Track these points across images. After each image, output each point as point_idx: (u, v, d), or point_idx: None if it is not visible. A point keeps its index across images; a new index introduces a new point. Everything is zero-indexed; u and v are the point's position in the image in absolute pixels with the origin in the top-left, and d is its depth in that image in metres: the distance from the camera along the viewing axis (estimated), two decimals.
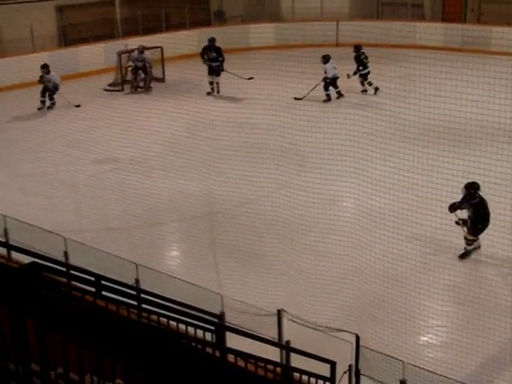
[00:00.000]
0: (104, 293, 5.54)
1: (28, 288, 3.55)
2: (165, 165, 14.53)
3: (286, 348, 7.45)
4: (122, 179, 13.92)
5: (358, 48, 20.93)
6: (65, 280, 5.58)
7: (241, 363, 5.93)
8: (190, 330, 6.42)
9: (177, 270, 10.39)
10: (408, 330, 8.82)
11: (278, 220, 11.20)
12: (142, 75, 22.61)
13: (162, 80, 23.38)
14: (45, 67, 20.05)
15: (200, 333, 6.49)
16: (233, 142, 14.94)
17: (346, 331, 7.30)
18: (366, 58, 20.64)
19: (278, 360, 7.41)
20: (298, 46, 23.92)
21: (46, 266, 4.85)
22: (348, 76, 20.31)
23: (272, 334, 7.67)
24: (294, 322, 7.69)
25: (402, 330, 8.70)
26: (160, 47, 23.47)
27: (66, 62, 23.54)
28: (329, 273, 10.00)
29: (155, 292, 6.64)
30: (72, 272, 5.86)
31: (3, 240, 9.75)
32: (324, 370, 6.61)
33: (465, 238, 10.79)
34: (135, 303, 6.21)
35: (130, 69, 22.74)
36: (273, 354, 7.22)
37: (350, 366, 7.08)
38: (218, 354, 5.83)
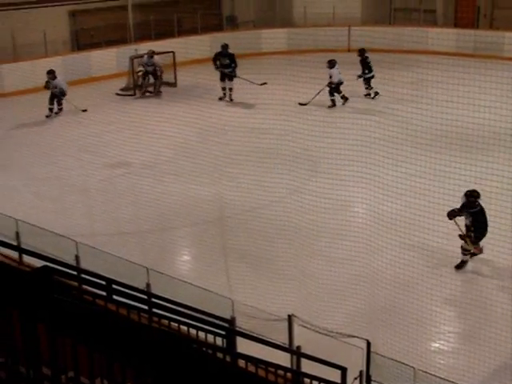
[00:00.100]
0: (115, 297, 5.54)
1: (40, 292, 3.55)
2: (176, 169, 14.55)
3: (297, 353, 7.44)
4: (133, 184, 13.96)
5: (363, 52, 20.98)
6: (76, 284, 5.60)
7: (251, 368, 5.92)
8: (201, 334, 6.42)
9: (188, 275, 10.39)
10: (419, 336, 8.79)
11: (289, 225, 11.19)
12: (152, 80, 22.71)
13: (173, 85, 23.43)
14: (51, 73, 19.93)
15: (210, 337, 6.49)
16: (244, 147, 14.95)
17: (357, 337, 7.27)
18: (370, 62, 20.74)
19: (289, 365, 7.39)
20: (310, 51, 23.89)
21: (57, 270, 4.86)
22: (359, 77, 20.34)
23: (282, 339, 7.66)
24: (305, 327, 7.67)
25: (413, 336, 8.66)
26: (172, 52, 23.54)
27: (79, 66, 23.65)
28: (340, 278, 9.98)
29: (166, 296, 6.64)
30: (83, 276, 5.87)
31: (15, 243, 9.78)
32: (335, 375, 6.59)
33: (462, 247, 10.56)
34: (146, 308, 6.21)
35: (140, 74, 22.81)
36: (283, 359, 7.20)
37: (361, 372, 7.05)
38: (228, 359, 5.82)
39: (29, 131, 19.06)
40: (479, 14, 28.12)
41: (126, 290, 5.79)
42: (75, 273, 5.82)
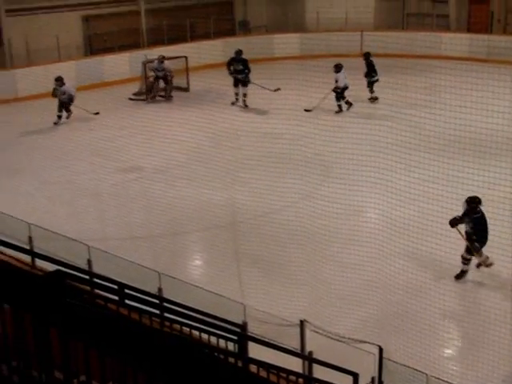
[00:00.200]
0: (127, 301, 5.55)
1: (52, 296, 3.55)
2: (189, 174, 14.56)
3: (309, 359, 7.42)
4: (145, 188, 13.98)
5: (368, 55, 21.02)
6: (88, 288, 5.60)
7: (263, 374, 5.90)
8: (213, 339, 6.41)
9: (200, 280, 10.39)
10: (432, 343, 8.74)
11: (301, 230, 11.17)
12: (163, 84, 22.80)
13: (186, 89, 23.49)
14: (59, 80, 19.86)
15: (222, 342, 6.48)
16: (257, 151, 14.95)
17: (369, 343, 7.24)
18: (375, 65, 20.83)
19: (301, 371, 7.38)
20: (323, 56, 23.87)
21: (69, 274, 4.87)
22: (369, 79, 20.36)
23: (294, 344, 7.64)
24: (317, 332, 7.65)
25: (426, 342, 8.62)
26: (185, 57, 23.59)
27: (92, 71, 23.76)
28: (352, 283, 9.95)
29: (178, 301, 6.63)
30: (95, 280, 5.87)
31: (28, 247, 9.81)
32: (346, 381, 6.56)
33: (462, 256, 10.41)
34: (158, 312, 6.21)
35: (151, 79, 22.92)
36: (295, 364, 7.18)
37: (373, 378, 7.02)
38: (240, 364, 5.80)
39: (41, 135, 19.14)
40: (493, 19, 28.03)
41: (138, 295, 5.79)
42: (87, 277, 5.83)
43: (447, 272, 10.43)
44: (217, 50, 24.85)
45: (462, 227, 10.42)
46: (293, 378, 6.54)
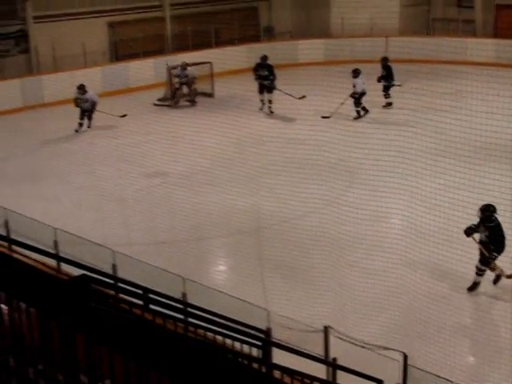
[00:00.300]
0: (151, 306, 5.57)
1: (78, 300, 3.58)
2: (213, 180, 14.60)
3: (333, 365, 7.39)
4: (170, 193, 14.02)
5: (386, 60, 21.02)
6: (113, 293, 5.63)
7: (287, 380, 5.90)
8: (237, 345, 6.42)
9: (223, 285, 10.41)
10: (457, 350, 8.67)
11: (325, 236, 11.15)
12: (186, 90, 23.01)
13: (211, 95, 23.57)
14: (81, 88, 19.82)
15: (246, 348, 6.48)
16: (281, 157, 14.95)
17: (394, 349, 7.21)
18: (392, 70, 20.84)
19: (325, 377, 7.35)
20: (347, 62, 23.80)
21: (94, 279, 4.90)
22: (399, 85, 20.30)
23: (318, 350, 7.63)
24: (341, 338, 7.63)
25: (451, 349, 8.55)
26: (209, 63, 23.67)
27: (117, 77, 23.92)
28: (375, 290, 9.91)
29: (202, 306, 6.65)
30: (120, 285, 5.90)
31: (53, 252, 9.88)
32: None
33: (477, 267, 10.17)
34: (182, 317, 6.23)
35: (176, 85, 23.09)
36: (319, 371, 7.16)
37: None
38: (263, 369, 5.81)
39: (67, 141, 19.30)
40: None
41: (163, 300, 5.81)
42: (112, 282, 5.86)
43: (471, 279, 10.34)
44: (241, 55, 24.89)
45: (476, 235, 10.28)
46: None
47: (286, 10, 31.23)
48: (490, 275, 10.26)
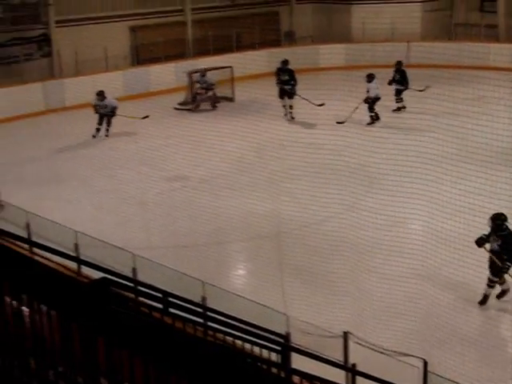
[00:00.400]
0: (171, 310, 5.58)
1: (98, 303, 3.60)
2: (233, 184, 14.62)
3: (353, 371, 7.37)
4: (190, 197, 14.07)
5: (401, 64, 20.99)
6: (133, 296, 5.65)
7: None
8: (256, 349, 6.42)
9: (243, 289, 10.41)
10: (478, 357, 8.62)
11: (344, 241, 11.13)
12: (207, 94, 23.17)
13: (231, 99, 23.64)
14: (100, 94, 19.80)
15: (265, 352, 6.48)
16: (301, 162, 14.93)
17: (414, 356, 7.18)
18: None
19: (344, 383, 7.34)
20: (368, 67, 23.75)
21: (115, 282, 4.92)
22: (423, 89, 20.24)
23: (336, 355, 7.61)
24: (360, 344, 7.61)
25: (472, 356, 8.50)
26: (230, 67, 23.72)
27: (138, 81, 24.02)
28: (395, 295, 9.87)
29: (221, 310, 6.66)
30: (140, 288, 5.92)
31: (74, 255, 9.94)
32: None
33: (489, 279, 9.99)
34: (201, 321, 6.24)
35: (198, 92, 23.25)
36: (338, 376, 7.14)
37: None
38: (283, 374, 5.80)
39: (88, 144, 19.42)
40: None
41: (182, 303, 5.82)
42: (132, 285, 5.88)
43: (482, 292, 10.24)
44: (262, 60, 24.93)
45: (487, 245, 10.14)
46: None
47: (307, 15, 31.25)
48: None
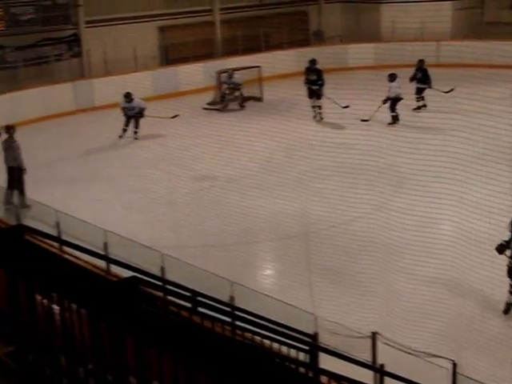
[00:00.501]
0: (200, 309, 5.59)
1: (127, 301, 3.62)
2: (261, 184, 14.62)
3: (381, 371, 7.33)
4: (219, 197, 14.09)
5: (423, 62, 20.85)
6: (161, 295, 5.67)
7: None
8: (284, 349, 6.41)
9: (271, 289, 10.41)
10: (507, 360, 8.53)
11: (373, 241, 11.09)
12: (234, 94, 23.28)
13: (259, 99, 23.66)
14: (127, 96, 19.70)
15: (293, 352, 6.46)
16: (330, 161, 14.89)
17: (443, 357, 7.12)
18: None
19: None
20: (397, 66, 23.60)
21: (144, 280, 4.94)
22: (448, 91, 20.10)
23: (364, 356, 7.57)
24: (388, 345, 7.56)
25: (502, 358, 8.41)
26: (258, 67, 23.74)
27: (167, 80, 24.15)
28: (424, 296, 9.80)
29: (250, 310, 6.66)
30: (169, 287, 5.94)
31: (103, 253, 9.99)
32: None
33: (511, 285, 9.70)
34: (230, 320, 6.24)
35: (227, 92, 23.33)
36: (366, 377, 7.11)
37: None
38: (311, 374, 5.79)
39: (118, 144, 19.54)
40: None
41: (211, 303, 5.84)
42: (161, 284, 5.90)
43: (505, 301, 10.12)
44: (290, 60, 24.93)
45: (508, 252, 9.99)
46: None
47: (336, 14, 31.18)
48: None
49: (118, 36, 24.83)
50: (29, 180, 14.68)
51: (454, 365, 6.90)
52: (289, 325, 6.79)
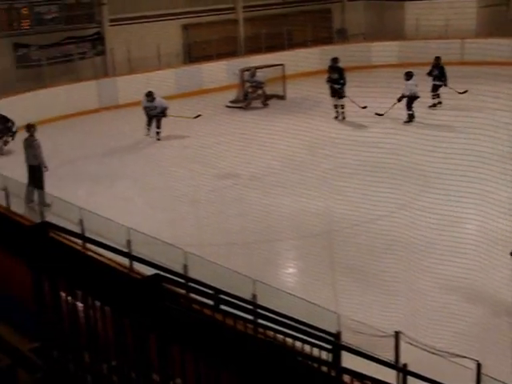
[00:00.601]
0: (222, 307, 5.59)
1: (151, 298, 3.63)
2: (284, 182, 14.61)
3: (404, 371, 7.29)
4: (242, 195, 14.09)
5: (439, 59, 20.74)
6: (184, 292, 5.68)
7: None
8: (306, 347, 6.40)
9: (293, 287, 10.39)
10: None
11: (397, 240, 11.03)
12: (257, 92, 23.37)
13: (282, 97, 23.64)
14: (149, 95, 19.44)
15: (315, 351, 6.45)
16: (353, 160, 14.85)
17: (467, 357, 7.07)
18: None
19: (395, 383, 7.26)
20: (421, 64, 23.46)
21: (167, 278, 4.95)
22: (463, 92, 19.96)
23: (388, 355, 7.53)
24: (412, 344, 7.52)
25: None
26: (282, 65, 23.71)
27: (191, 78, 24.20)
28: (448, 296, 9.75)
29: (272, 308, 6.65)
30: (191, 285, 5.95)
31: (126, 251, 10.02)
32: None
33: None
34: (252, 318, 6.24)
35: (250, 90, 23.40)
36: (389, 376, 7.07)
37: None
38: (333, 373, 5.77)
39: (141, 143, 19.60)
40: None
41: (233, 300, 5.84)
42: (183, 281, 5.91)
43: None
44: (314, 58, 24.88)
45: None
46: None
47: (360, 12, 31.07)
48: None
49: (141, 34, 24.94)
50: (53, 177, 14.78)
51: (479, 365, 6.85)
52: (311, 323, 6.78)
